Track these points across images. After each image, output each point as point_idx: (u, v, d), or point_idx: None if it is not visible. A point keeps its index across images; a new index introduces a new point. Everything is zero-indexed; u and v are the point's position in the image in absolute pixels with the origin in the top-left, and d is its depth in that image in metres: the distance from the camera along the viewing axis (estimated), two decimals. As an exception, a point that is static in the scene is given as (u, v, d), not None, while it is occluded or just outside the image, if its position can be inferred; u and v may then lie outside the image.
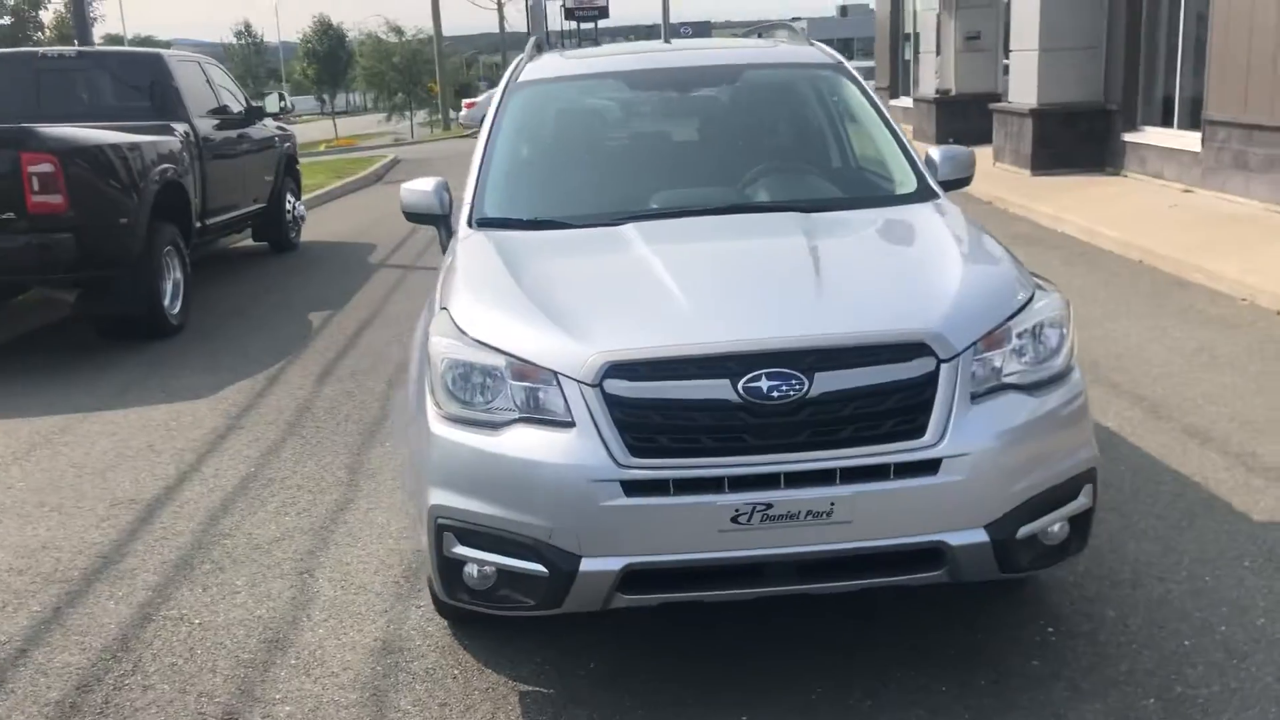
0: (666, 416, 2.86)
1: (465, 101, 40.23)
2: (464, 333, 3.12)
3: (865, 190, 4.19)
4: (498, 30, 67.86)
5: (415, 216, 4.36)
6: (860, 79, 4.63)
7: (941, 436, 2.86)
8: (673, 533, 2.84)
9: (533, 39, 6.05)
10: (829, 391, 2.85)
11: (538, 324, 3.09)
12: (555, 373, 2.93)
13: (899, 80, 23.64)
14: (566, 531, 2.85)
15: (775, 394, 2.83)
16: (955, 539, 2.89)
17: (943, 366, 2.91)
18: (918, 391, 2.89)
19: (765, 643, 3.51)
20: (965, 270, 3.29)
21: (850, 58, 4.61)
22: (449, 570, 3.07)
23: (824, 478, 2.83)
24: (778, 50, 4.88)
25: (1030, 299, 3.17)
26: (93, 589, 4.20)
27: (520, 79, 4.57)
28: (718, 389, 2.85)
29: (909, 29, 22.67)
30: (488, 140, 4.27)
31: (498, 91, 4.53)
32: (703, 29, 66.30)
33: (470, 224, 3.99)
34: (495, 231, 3.87)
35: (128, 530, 4.77)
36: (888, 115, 4.46)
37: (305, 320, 8.85)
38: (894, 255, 3.57)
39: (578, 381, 2.90)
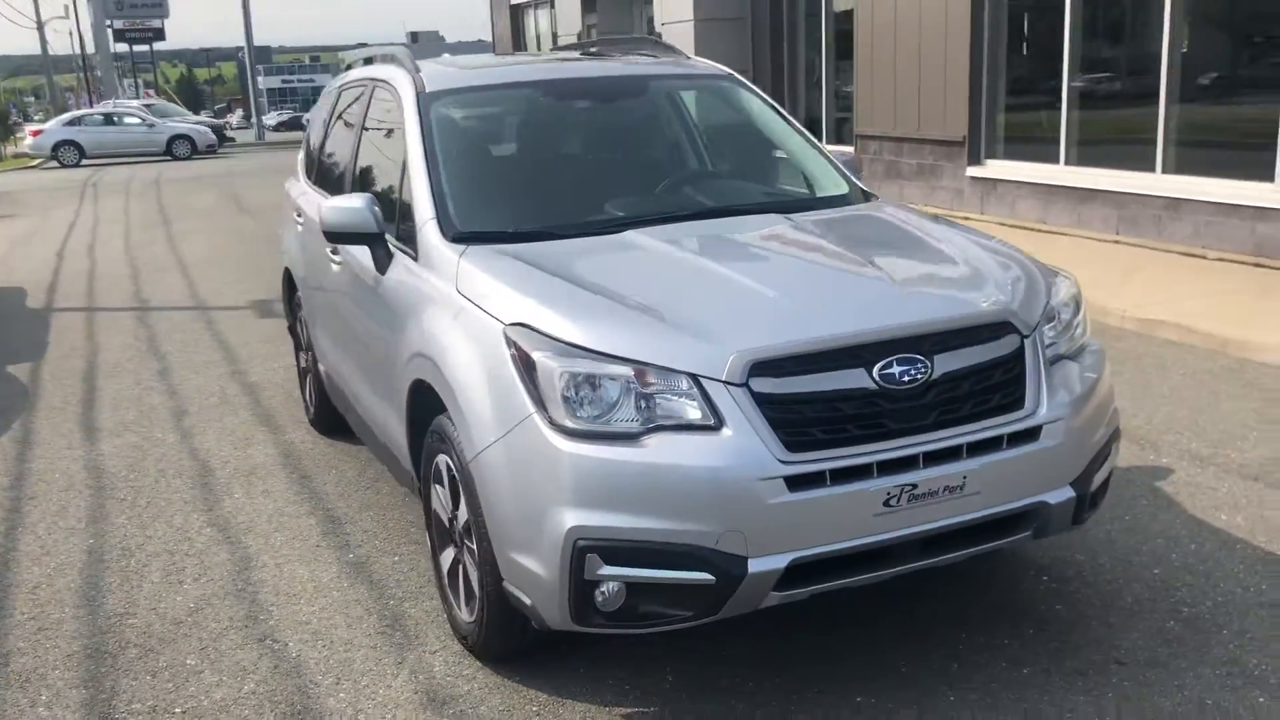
0: (814, 409, 2.90)
1: (31, 129, 36.17)
2: (571, 344, 2.96)
3: (818, 191, 4.37)
4: (39, 51, 61.71)
5: (342, 236, 4.03)
6: (756, 88, 4.83)
7: (1037, 405, 3.12)
8: (832, 523, 2.88)
9: (364, 54, 5.77)
10: (947, 372, 3.02)
11: (653, 329, 3.01)
12: (693, 375, 2.87)
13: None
14: (734, 534, 2.81)
15: (905, 378, 2.95)
16: (1052, 498, 3.16)
17: (1026, 341, 3.18)
18: (1012, 366, 3.13)
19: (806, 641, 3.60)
20: (999, 258, 3.57)
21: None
22: (583, 595, 2.91)
23: (954, 454, 2.99)
24: (674, 63, 4.96)
25: (1055, 278, 3.51)
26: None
27: (430, 89, 4.33)
28: (856, 378, 2.93)
29: (534, 52, 23.23)
30: (425, 154, 4.02)
31: (407, 104, 4.25)
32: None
33: (446, 238, 3.75)
34: (489, 245, 3.66)
35: (-8, 627, 4.02)
36: (794, 122, 4.69)
37: (6, 375, 7.74)
38: (921, 247, 3.76)
39: (723, 382, 2.86)
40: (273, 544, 4.59)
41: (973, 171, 11.20)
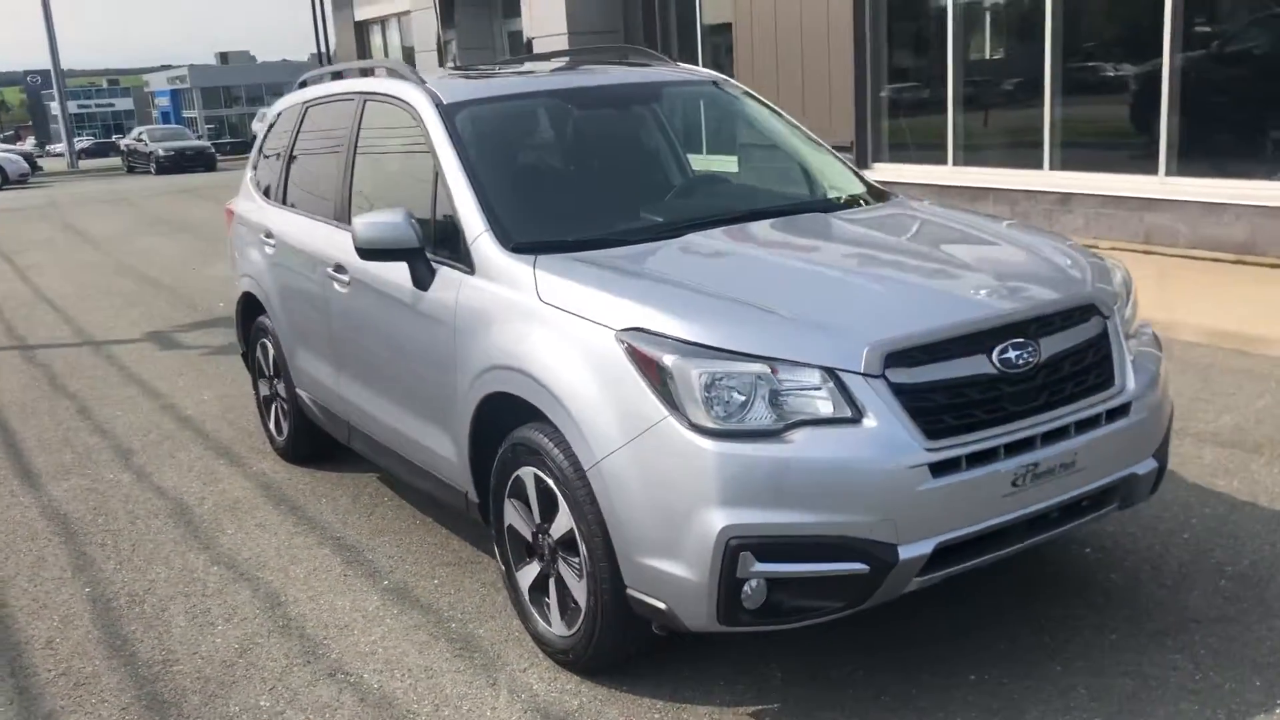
0: (944, 397, 2.98)
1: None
2: (701, 345, 2.97)
3: (839, 191, 4.47)
4: None
5: (378, 252, 3.91)
6: (751, 91, 4.92)
7: (1125, 382, 3.29)
8: (969, 506, 2.98)
9: (301, 78, 5.63)
10: (1052, 354, 3.16)
11: (781, 325, 3.04)
12: (830, 369, 2.92)
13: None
14: (886, 523, 2.87)
15: (1020, 361, 3.08)
16: (1140, 469, 3.34)
17: (1108, 323, 3.35)
18: (1101, 346, 3.29)
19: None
20: (1060, 246, 3.74)
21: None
22: (733, 594, 2.92)
23: (1063, 433, 3.13)
24: (669, 69, 5.00)
25: (1111, 264, 3.71)
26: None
27: (448, 100, 4.25)
28: (979, 364, 3.04)
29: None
30: (464, 167, 3.94)
31: (429, 117, 4.15)
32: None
33: (507, 249, 3.69)
34: (557, 254, 3.62)
35: (24, 692, 3.73)
36: (796, 122, 4.80)
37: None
38: (985, 239, 3.89)
39: (861, 374, 2.92)
40: (294, 577, 4.40)
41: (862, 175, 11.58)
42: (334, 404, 4.91)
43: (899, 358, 2.96)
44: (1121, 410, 3.26)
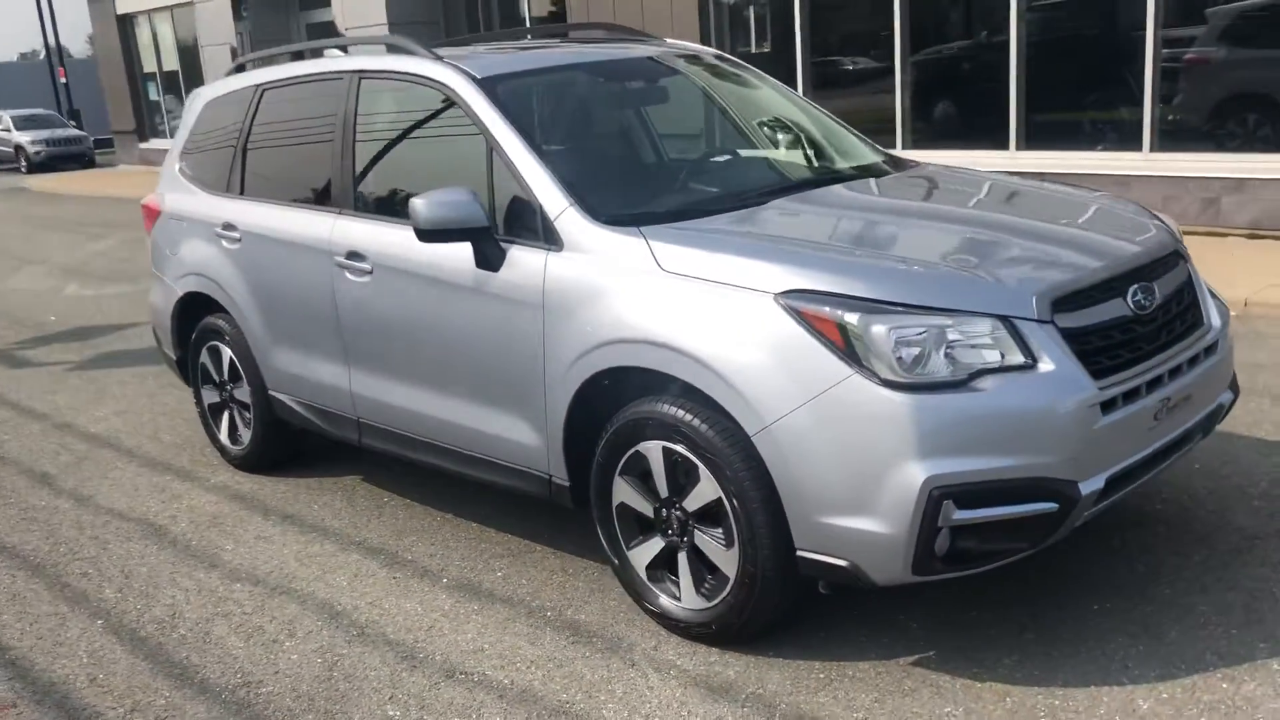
0: (1098, 339, 3.14)
1: None
2: (878, 301, 3.01)
3: (862, 159, 4.57)
4: None
5: (441, 233, 3.74)
6: (751, 66, 4.99)
7: (1210, 321, 3.57)
8: (1125, 440, 3.16)
9: (236, 62, 5.31)
10: (1165, 296, 3.39)
11: (949, 278, 3.12)
12: (1005, 317, 3.02)
13: (146, 122, 22.32)
14: (1070, 462, 3.00)
15: (1146, 303, 3.28)
16: (1224, 399, 3.63)
17: (1189, 267, 3.61)
18: (1190, 290, 3.56)
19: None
20: (1122, 204, 3.98)
21: None
22: (928, 544, 2.98)
23: (1180, 369, 3.36)
24: (670, 44, 4.98)
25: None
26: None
27: (485, 74, 4.10)
28: (1119, 307, 3.22)
29: (151, 67, 21.54)
30: (526, 142, 3.81)
31: (469, 93, 3.99)
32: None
33: (601, 222, 3.60)
34: (657, 225, 3.58)
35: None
36: (800, 96, 4.91)
37: None
38: (1057, 196, 4.09)
39: (1035, 321, 3.04)
40: (337, 586, 4.15)
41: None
42: (337, 403, 4.63)
43: (1062, 303, 3.09)
44: (1212, 347, 3.52)
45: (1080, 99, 9.67)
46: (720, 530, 3.32)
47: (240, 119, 5.17)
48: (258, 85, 5.11)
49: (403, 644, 3.69)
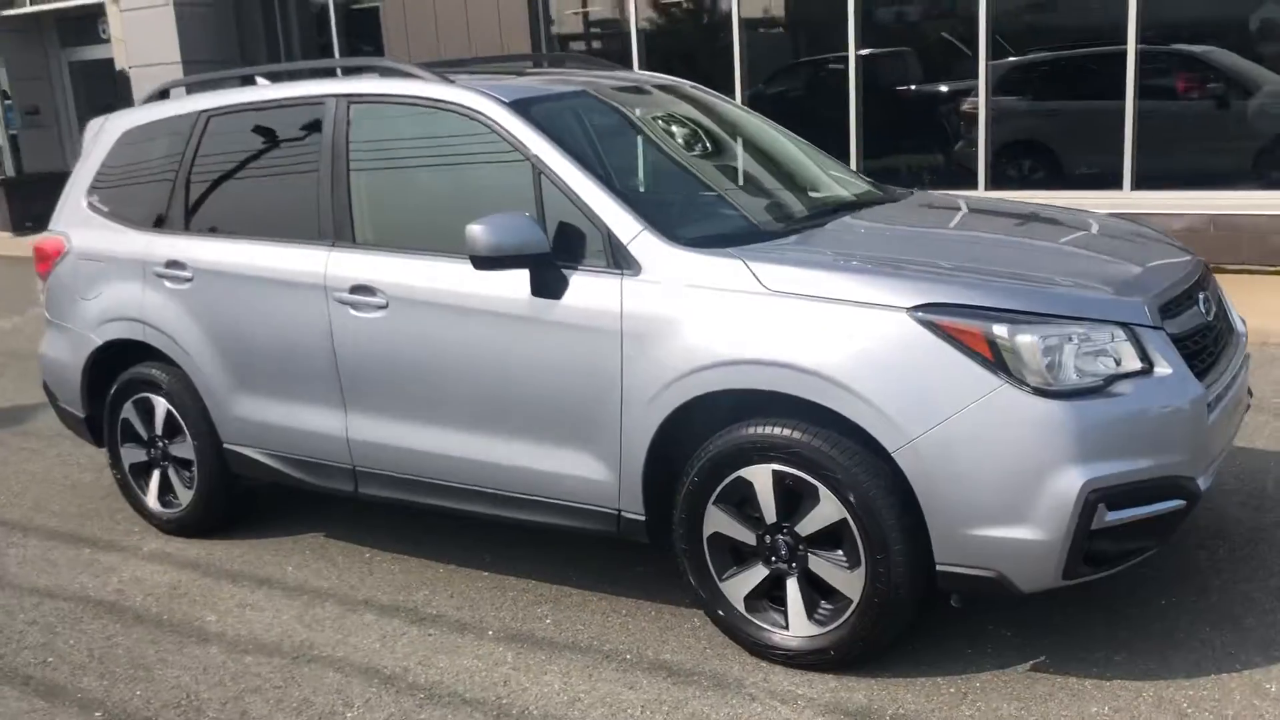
0: (1190, 344, 3.34)
1: None
2: (1019, 312, 3.08)
3: (858, 188, 4.66)
4: None
5: (500, 260, 3.57)
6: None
7: (1239, 327, 3.86)
8: (1220, 436, 3.36)
9: (159, 87, 4.93)
10: (1216, 302, 3.65)
11: (1073, 290, 3.23)
12: (1128, 325, 3.16)
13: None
14: (1192, 460, 3.16)
15: (1209, 308, 3.53)
16: (1249, 400, 3.93)
17: (1213, 278, 3.91)
18: (1222, 298, 3.84)
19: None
20: (1117, 220, 4.26)
21: None
22: (1080, 548, 3.06)
23: (1236, 370, 3.62)
24: (644, 74, 4.94)
25: None
26: None
27: (513, 97, 3.95)
28: (1197, 314, 3.44)
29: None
30: (583, 166, 3.68)
31: (504, 117, 3.83)
32: None
33: (682, 245, 3.53)
34: (745, 246, 3.55)
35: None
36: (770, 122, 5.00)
37: None
38: (1069, 216, 4.29)
39: (1151, 328, 3.19)
40: (367, 648, 3.82)
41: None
42: (327, 452, 4.28)
43: (1165, 311, 3.26)
44: (1244, 348, 3.80)
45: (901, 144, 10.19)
46: (840, 552, 3.27)
47: (178, 149, 4.72)
48: (200, 112, 4.69)
49: (485, 702, 3.42)
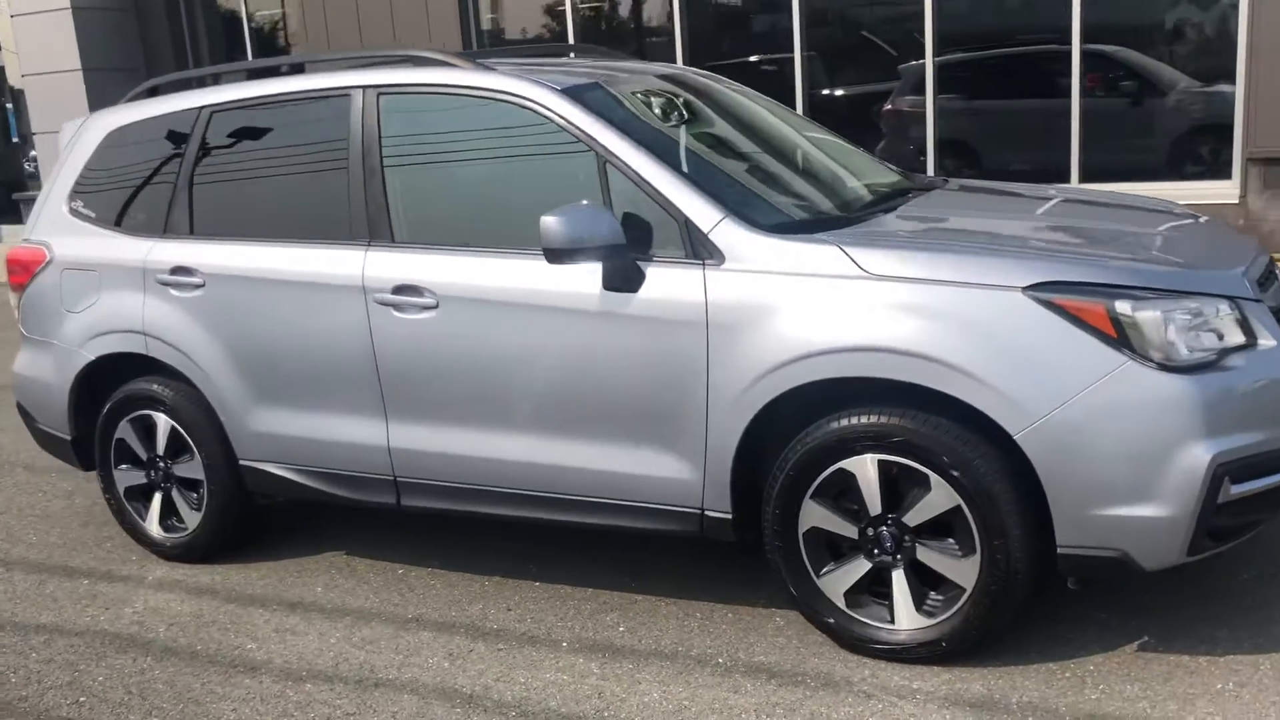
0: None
1: None
2: (1139, 288, 3.06)
3: (889, 176, 4.62)
4: None
5: (574, 252, 3.43)
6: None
7: None
8: None
9: (147, 84, 4.67)
10: None
11: (1183, 266, 3.23)
12: (1234, 299, 3.17)
13: None
14: None
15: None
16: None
17: None
18: None
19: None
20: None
21: None
22: (1205, 522, 3.05)
23: None
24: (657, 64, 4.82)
25: None
26: None
27: (565, 85, 3.80)
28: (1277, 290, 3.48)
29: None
30: (653, 154, 3.55)
31: (563, 106, 3.67)
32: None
33: (766, 232, 3.43)
34: (836, 230, 3.48)
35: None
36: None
37: None
38: (1097, 197, 4.32)
39: (1254, 301, 3.21)
40: (435, 668, 3.61)
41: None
42: (365, 463, 4.05)
43: (1259, 284, 3.28)
44: None
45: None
46: (951, 540, 3.20)
47: (176, 148, 4.43)
48: (201, 108, 4.41)
49: (584, 716, 3.26)
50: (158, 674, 3.70)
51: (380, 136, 3.97)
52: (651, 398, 3.48)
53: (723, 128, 4.31)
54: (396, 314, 3.83)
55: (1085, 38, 8.68)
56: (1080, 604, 3.58)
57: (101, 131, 4.68)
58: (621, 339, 3.49)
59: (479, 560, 4.33)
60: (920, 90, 9.37)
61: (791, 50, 9.82)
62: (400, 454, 3.96)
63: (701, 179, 3.55)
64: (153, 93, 4.71)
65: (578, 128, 3.61)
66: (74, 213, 4.65)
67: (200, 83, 4.74)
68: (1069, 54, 8.75)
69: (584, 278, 3.52)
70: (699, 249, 3.40)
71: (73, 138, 4.78)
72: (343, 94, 4.07)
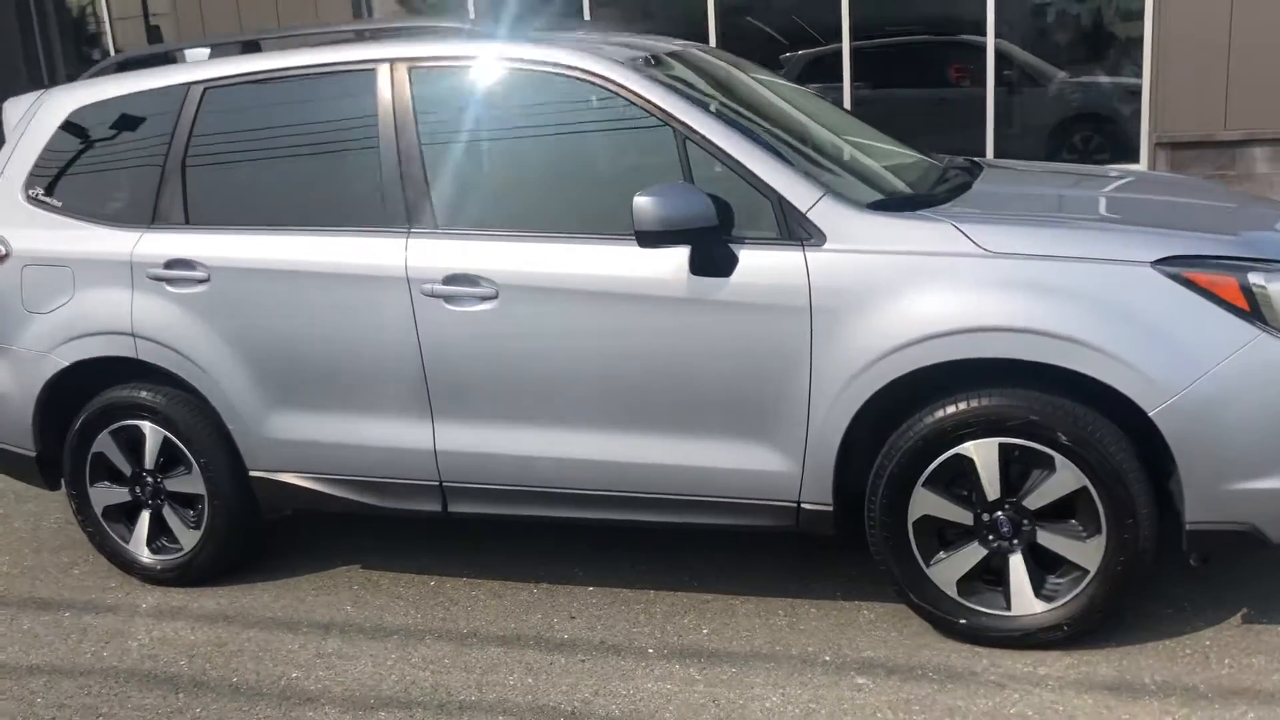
0: None
1: None
2: (1266, 260, 3.07)
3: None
4: None
5: (664, 235, 3.24)
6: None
7: None
8: None
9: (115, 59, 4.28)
10: None
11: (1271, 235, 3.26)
12: None
13: None
14: None
15: None
16: None
17: None
18: None
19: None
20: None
21: None
22: None
23: None
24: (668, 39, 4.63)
25: None
26: None
27: (633, 57, 3.59)
28: None
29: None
30: (741, 131, 3.39)
31: (634, 80, 3.46)
32: None
33: (867, 209, 3.32)
34: (942, 208, 3.39)
35: None
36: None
37: None
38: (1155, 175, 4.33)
39: None
40: (520, 685, 3.37)
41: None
42: (406, 468, 3.75)
43: None
44: None
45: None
46: (1074, 521, 3.15)
47: (162, 129, 4.01)
48: (191, 84, 4.00)
49: (712, 727, 3.06)
50: (199, 712, 3.32)
51: (415, 114, 3.65)
52: (744, 387, 3.30)
53: (769, 105, 4.13)
54: (448, 306, 3.54)
55: (998, 33, 8.89)
56: (1155, 582, 3.56)
57: (61, 111, 4.20)
58: (712, 326, 3.30)
59: (514, 567, 4.07)
60: (810, 80, 9.43)
61: (706, 40, 9.73)
62: (448, 457, 3.67)
63: (789, 155, 3.39)
64: (121, 68, 4.25)
65: (653, 104, 3.40)
66: (34, 201, 4.15)
67: (168, 59, 4.30)
68: (983, 46, 8.94)
69: (667, 262, 3.32)
70: (795, 228, 3.24)
71: (22, 118, 4.26)
72: (365, 67, 3.74)
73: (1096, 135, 9.18)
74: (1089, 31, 9.16)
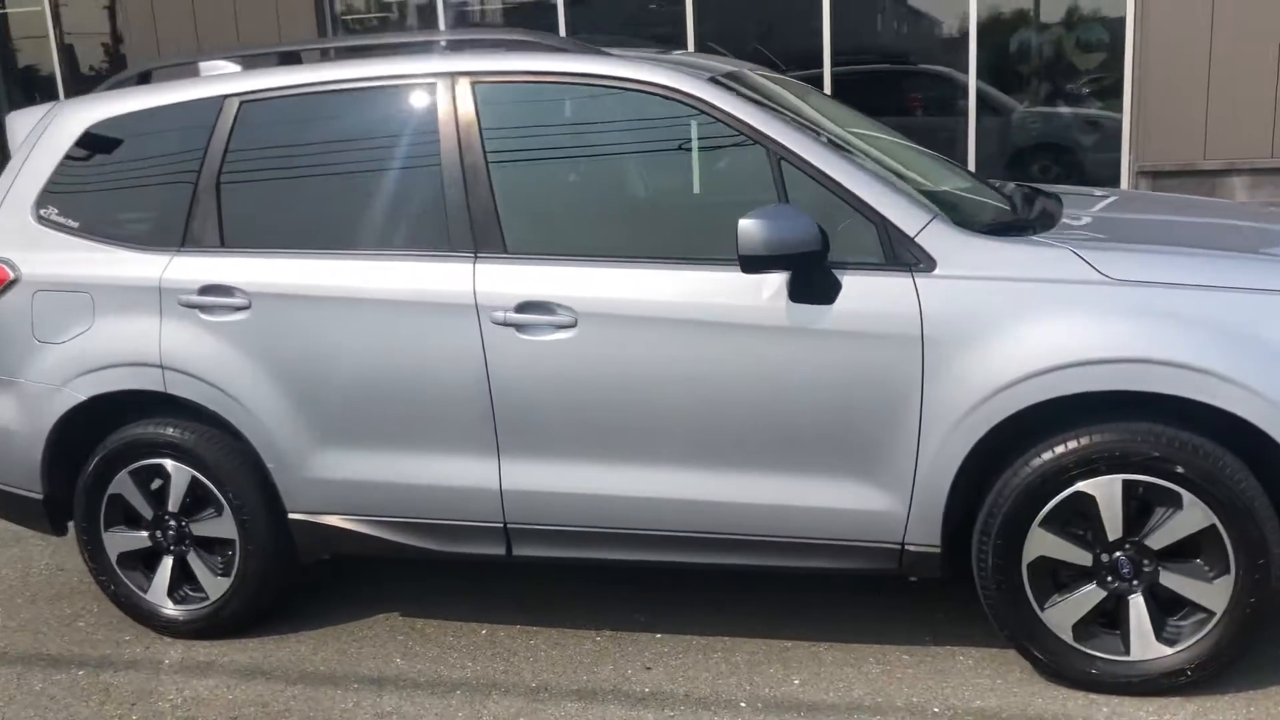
0: None
1: None
2: None
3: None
4: None
5: (770, 260, 3.07)
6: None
7: None
8: None
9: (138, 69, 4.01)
10: None
11: None
12: None
13: None
14: None
15: None
16: None
17: None
18: None
19: None
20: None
21: None
22: None
23: None
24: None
25: None
26: None
27: (711, 75, 3.43)
28: None
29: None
30: (836, 149, 3.25)
31: (713, 95, 3.29)
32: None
33: (980, 233, 3.18)
34: (1014, 235, 3.26)
35: None
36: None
37: None
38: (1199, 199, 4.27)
39: None
40: (609, 745, 3.14)
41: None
42: (467, 509, 3.51)
43: None
44: None
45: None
46: (1200, 561, 3.02)
47: (194, 145, 3.73)
48: (225, 97, 3.72)
49: (832, 788, 2.85)
50: (259, 783, 3.01)
51: (481, 131, 3.43)
52: (847, 422, 3.12)
53: (844, 128, 3.97)
54: (520, 335, 3.31)
55: (979, 65, 8.92)
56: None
57: (77, 126, 3.89)
58: (813, 357, 3.11)
59: (568, 613, 3.83)
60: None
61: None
62: (515, 496, 3.43)
63: (888, 177, 3.23)
64: (144, 79, 3.95)
65: (745, 123, 3.22)
66: (46, 222, 3.83)
67: (193, 70, 4.01)
68: (965, 78, 8.96)
69: (763, 289, 3.14)
70: (901, 254, 3.08)
71: (32, 133, 3.94)
72: (425, 81, 3.50)
73: (1073, 165, 9.24)
74: (1066, 65, 9.23)
